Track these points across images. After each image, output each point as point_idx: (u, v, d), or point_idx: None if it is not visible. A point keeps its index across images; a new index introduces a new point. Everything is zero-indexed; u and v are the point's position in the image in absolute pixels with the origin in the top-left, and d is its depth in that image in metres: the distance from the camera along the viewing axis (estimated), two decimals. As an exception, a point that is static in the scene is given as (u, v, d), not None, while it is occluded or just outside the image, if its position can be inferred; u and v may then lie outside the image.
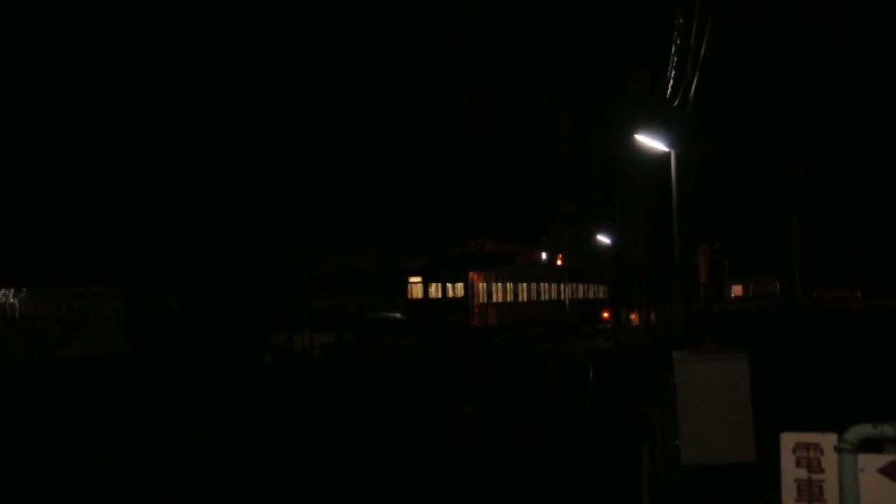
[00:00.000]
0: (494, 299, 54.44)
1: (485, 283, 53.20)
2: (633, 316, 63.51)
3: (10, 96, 34.89)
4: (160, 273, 39.09)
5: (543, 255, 74.60)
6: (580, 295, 71.48)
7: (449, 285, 50.65)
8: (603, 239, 67.95)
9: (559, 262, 71.30)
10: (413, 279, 51.28)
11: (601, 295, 76.99)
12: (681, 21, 21.11)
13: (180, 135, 40.65)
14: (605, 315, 69.26)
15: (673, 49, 22.26)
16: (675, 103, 23.31)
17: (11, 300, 31.70)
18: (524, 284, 59.85)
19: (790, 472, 4.33)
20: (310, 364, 36.68)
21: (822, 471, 4.28)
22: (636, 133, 29.16)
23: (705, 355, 10.70)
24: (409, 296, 51.21)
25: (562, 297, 66.10)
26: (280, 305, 42.46)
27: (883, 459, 4.14)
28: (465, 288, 50.50)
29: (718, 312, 60.64)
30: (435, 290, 50.84)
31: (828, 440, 4.27)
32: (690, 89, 21.48)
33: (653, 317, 63.51)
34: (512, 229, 74.81)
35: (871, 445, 4.15)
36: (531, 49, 72.66)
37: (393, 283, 53.33)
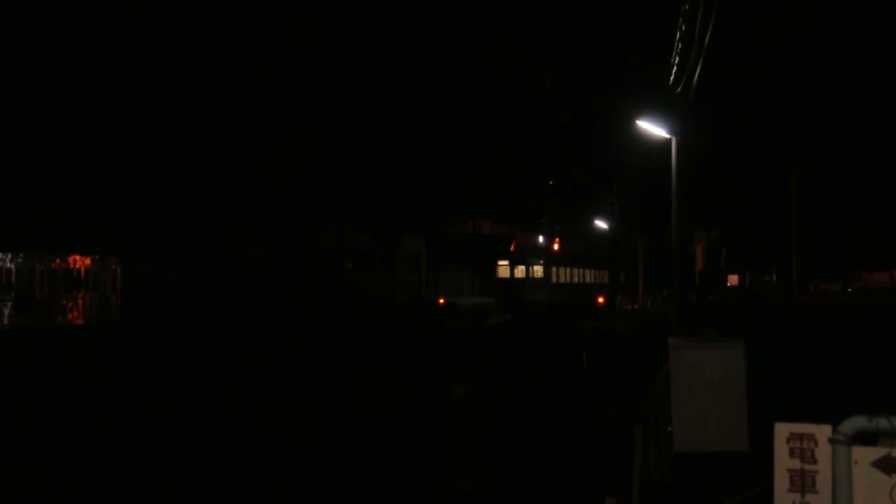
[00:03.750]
0: (562, 280, 67.21)
1: (557, 267, 64.99)
2: (627, 304, 63.63)
3: (7, 70, 34.68)
4: (158, 242, 38.98)
5: (540, 239, 74.43)
6: (603, 279, 79.26)
7: (530, 268, 63.15)
8: (601, 224, 67.83)
9: (556, 247, 71.32)
10: (501, 262, 63.26)
11: (601, 280, 78.46)
12: (686, 7, 21.01)
13: (182, 110, 40.46)
14: (601, 300, 69.39)
15: (678, 35, 22.17)
16: (678, 90, 23.23)
17: (8, 265, 31.65)
18: (575, 269, 72.29)
19: (783, 462, 4.32)
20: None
21: (815, 462, 4.27)
22: (638, 119, 29.04)
23: (701, 342, 10.68)
24: (497, 275, 62.69)
25: (596, 280, 78.02)
26: (276, 279, 42.52)
27: (877, 452, 4.14)
28: (544, 270, 62.89)
29: (712, 301, 60.70)
30: (518, 272, 63.11)
31: (822, 431, 4.27)
32: (693, 76, 21.41)
33: (649, 303, 63.55)
34: (509, 211, 74.58)
35: (865, 438, 4.15)
36: (534, 31, 72.33)
37: (388, 262, 53.86)
